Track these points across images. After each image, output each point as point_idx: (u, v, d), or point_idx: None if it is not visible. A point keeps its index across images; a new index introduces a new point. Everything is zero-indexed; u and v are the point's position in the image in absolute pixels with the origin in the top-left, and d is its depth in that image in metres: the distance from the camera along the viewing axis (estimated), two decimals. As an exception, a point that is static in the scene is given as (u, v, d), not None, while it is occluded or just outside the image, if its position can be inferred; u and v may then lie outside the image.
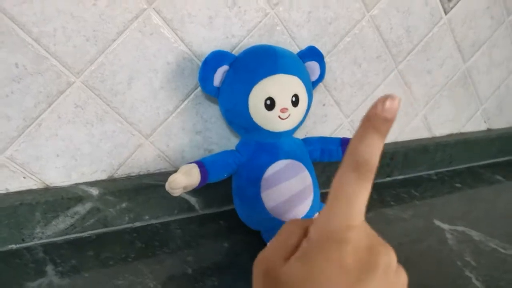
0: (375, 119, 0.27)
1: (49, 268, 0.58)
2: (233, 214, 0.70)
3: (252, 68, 0.61)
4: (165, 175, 0.57)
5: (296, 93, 0.62)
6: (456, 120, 1.03)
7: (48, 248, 0.62)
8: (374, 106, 0.27)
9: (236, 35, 0.68)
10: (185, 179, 0.58)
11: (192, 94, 0.69)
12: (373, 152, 0.28)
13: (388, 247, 0.30)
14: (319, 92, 0.80)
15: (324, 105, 0.82)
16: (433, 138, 1.01)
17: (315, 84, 0.70)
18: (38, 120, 0.60)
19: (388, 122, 0.27)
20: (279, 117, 0.61)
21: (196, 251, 0.65)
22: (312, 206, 0.67)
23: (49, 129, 0.61)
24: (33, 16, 0.54)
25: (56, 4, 0.55)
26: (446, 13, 0.87)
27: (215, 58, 0.61)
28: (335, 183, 0.29)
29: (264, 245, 0.63)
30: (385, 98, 0.26)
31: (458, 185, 0.95)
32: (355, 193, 0.28)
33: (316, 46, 0.69)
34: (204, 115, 0.71)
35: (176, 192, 0.58)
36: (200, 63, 0.63)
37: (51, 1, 0.55)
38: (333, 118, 0.85)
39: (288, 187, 0.64)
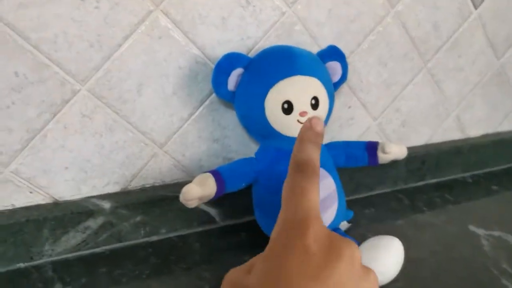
0: (306, 132, 0.35)
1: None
2: (255, 225, 0.66)
3: (268, 70, 0.57)
4: (182, 185, 0.54)
5: (316, 95, 0.58)
6: (491, 119, 0.97)
7: (58, 266, 0.59)
8: (305, 124, 0.35)
9: (251, 36, 0.64)
10: (200, 189, 0.54)
11: (208, 100, 0.65)
12: (310, 155, 0.34)
13: (350, 240, 0.31)
14: (344, 94, 0.75)
15: (349, 107, 0.77)
16: (467, 139, 0.95)
17: (337, 85, 0.66)
18: (43, 132, 0.57)
19: (318, 134, 0.34)
20: (298, 121, 0.57)
21: (215, 266, 0.61)
22: (337, 214, 0.62)
23: (55, 140, 0.58)
24: (30, 22, 0.52)
25: (54, 9, 0.52)
26: (476, 8, 0.81)
27: (229, 61, 0.58)
28: (286, 184, 0.33)
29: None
30: (311, 118, 0.35)
31: (494, 187, 0.90)
32: (306, 188, 0.32)
33: (339, 46, 0.65)
34: (221, 121, 0.67)
35: (191, 204, 0.55)
36: (213, 66, 0.59)
37: (48, 5, 0.52)
38: (360, 121, 0.80)
39: (310, 196, 0.60)
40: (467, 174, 0.95)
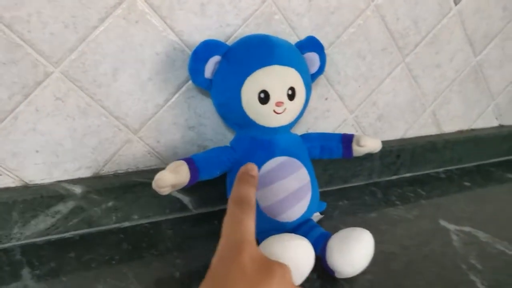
0: (243, 175, 0.44)
1: (25, 272, 0.54)
2: (228, 214, 0.66)
3: (245, 58, 0.57)
4: (156, 172, 0.54)
5: (293, 85, 0.58)
6: (466, 116, 0.98)
7: (27, 249, 0.59)
8: (243, 167, 0.45)
9: (231, 24, 0.64)
10: (173, 176, 0.54)
11: (184, 87, 0.64)
12: (247, 193, 0.41)
13: (282, 263, 0.36)
14: (321, 85, 0.75)
15: (326, 99, 0.77)
16: (442, 134, 0.96)
17: (314, 76, 0.66)
18: (14, 113, 0.56)
19: (253, 177, 0.44)
20: (274, 111, 0.57)
21: (186, 253, 0.61)
22: (310, 206, 0.62)
23: (27, 123, 0.57)
24: (4, 0, 0.50)
25: (30, -13, 0.51)
26: (456, 4, 0.82)
27: (206, 48, 0.57)
28: (226, 216, 0.39)
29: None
30: (247, 164, 0.46)
31: (467, 183, 0.91)
32: (242, 219, 0.38)
33: (318, 37, 0.64)
34: (197, 109, 0.67)
35: (164, 191, 0.54)
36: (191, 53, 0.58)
37: (23, -16, 0.51)
38: (336, 114, 0.80)
39: (283, 186, 0.60)
40: (440, 170, 0.96)
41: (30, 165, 0.60)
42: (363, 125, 0.84)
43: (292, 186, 0.60)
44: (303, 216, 0.62)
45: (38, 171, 0.61)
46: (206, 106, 0.67)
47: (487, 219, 0.75)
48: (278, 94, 0.56)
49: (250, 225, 0.38)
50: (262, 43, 0.58)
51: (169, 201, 0.68)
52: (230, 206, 0.40)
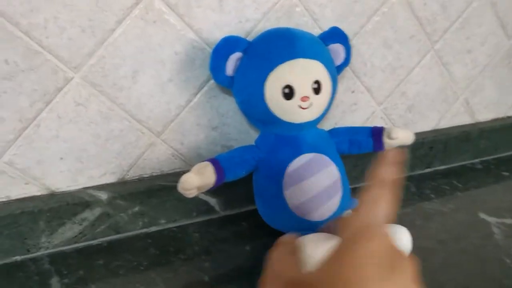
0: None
1: (54, 281, 0.54)
2: (256, 214, 0.64)
3: (267, 53, 0.55)
4: (180, 175, 0.52)
5: (318, 79, 0.55)
6: (501, 103, 0.94)
7: (55, 258, 0.58)
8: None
9: (250, 18, 0.62)
10: (199, 178, 0.53)
11: (205, 87, 0.63)
12: (391, 176, 0.34)
13: (410, 257, 0.31)
14: (347, 78, 0.73)
15: (353, 92, 0.75)
16: (476, 124, 0.92)
17: (340, 68, 0.63)
18: (36, 121, 0.55)
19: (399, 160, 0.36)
20: (300, 106, 0.55)
21: (215, 256, 0.60)
22: (340, 204, 0.60)
23: (49, 130, 0.56)
24: (20, 7, 0.49)
25: (44, -7, 0.50)
26: (486, -15, 0.78)
27: (226, 45, 0.56)
28: (364, 192, 0.34)
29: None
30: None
31: (505, 173, 0.87)
32: (378, 200, 0.33)
33: (341, 28, 0.62)
34: (220, 109, 0.65)
35: (190, 194, 0.53)
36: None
37: (37, -11, 0.50)
38: (364, 106, 0.78)
39: (313, 184, 0.58)
40: (476, 160, 0.92)
41: (55, 172, 0.59)
42: (393, 117, 0.81)
43: (321, 183, 0.58)
44: (334, 214, 0.60)
45: (63, 178, 0.60)
46: (228, 105, 0.66)
47: (529, 210, 0.71)
48: (303, 88, 0.54)
49: (386, 207, 0.33)
50: (283, 36, 0.56)
51: (196, 204, 0.67)
52: (371, 186, 0.35)
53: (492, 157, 0.94)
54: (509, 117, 0.96)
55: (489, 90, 0.90)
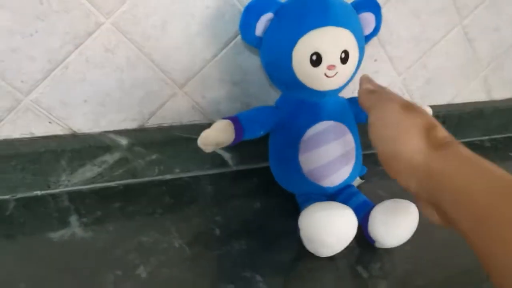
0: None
1: (73, 219, 0.56)
2: (268, 172, 0.66)
3: (299, 17, 0.54)
4: (199, 127, 0.54)
5: (347, 49, 0.55)
6: (519, 83, 0.94)
7: (74, 196, 0.60)
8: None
9: (285, -22, 0.61)
10: (218, 135, 0.54)
11: (232, 43, 0.63)
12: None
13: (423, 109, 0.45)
14: (372, 45, 0.73)
15: (375, 60, 0.75)
16: (491, 101, 0.92)
17: (368, 38, 0.63)
18: (64, 63, 0.56)
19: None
20: (325, 74, 0.55)
21: (226, 210, 0.61)
22: (352, 172, 0.62)
23: (77, 73, 0.57)
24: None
25: None
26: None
27: (259, 4, 0.54)
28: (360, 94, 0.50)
29: (298, 208, 0.59)
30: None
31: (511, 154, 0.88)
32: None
33: (372, -6, 0.61)
34: (243, 65, 0.66)
35: (209, 149, 0.55)
36: (242, 9, 0.56)
37: None
38: (384, 75, 0.77)
39: (328, 151, 0.59)
40: (485, 138, 0.93)
41: (78, 114, 0.60)
42: (411, 88, 0.82)
43: (336, 151, 0.60)
44: (345, 181, 0.61)
45: (86, 120, 0.61)
46: (252, 63, 0.66)
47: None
48: (331, 57, 0.54)
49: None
50: (316, 1, 0.56)
51: (210, 157, 0.68)
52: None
53: (501, 136, 0.95)
54: (524, 98, 0.96)
55: (509, 69, 0.90)
